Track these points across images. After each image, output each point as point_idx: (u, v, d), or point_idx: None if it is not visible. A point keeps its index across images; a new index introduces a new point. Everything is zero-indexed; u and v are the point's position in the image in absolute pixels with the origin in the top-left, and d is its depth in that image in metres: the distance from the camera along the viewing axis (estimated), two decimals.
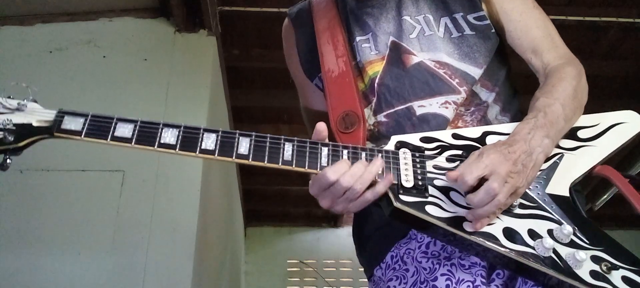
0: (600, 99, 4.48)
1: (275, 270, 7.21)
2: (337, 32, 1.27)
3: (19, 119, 0.92)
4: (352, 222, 1.30)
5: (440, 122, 1.12)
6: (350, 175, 0.93)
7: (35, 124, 0.93)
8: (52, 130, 0.93)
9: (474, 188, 0.91)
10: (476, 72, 1.17)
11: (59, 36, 3.21)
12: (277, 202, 6.87)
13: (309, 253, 7.28)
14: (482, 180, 0.91)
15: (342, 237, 6.89)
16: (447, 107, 1.13)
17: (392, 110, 1.16)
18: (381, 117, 1.17)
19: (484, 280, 0.99)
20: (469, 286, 0.98)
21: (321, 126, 0.99)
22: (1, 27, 3.16)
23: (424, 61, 1.17)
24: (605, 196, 4.99)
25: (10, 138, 0.89)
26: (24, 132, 0.91)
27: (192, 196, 2.94)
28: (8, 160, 0.90)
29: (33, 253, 2.69)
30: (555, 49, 1.18)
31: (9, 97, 0.93)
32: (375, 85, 1.18)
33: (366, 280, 1.23)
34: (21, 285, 2.64)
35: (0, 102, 0.92)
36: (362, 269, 1.24)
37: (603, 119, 1.11)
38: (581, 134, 1.09)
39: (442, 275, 1.00)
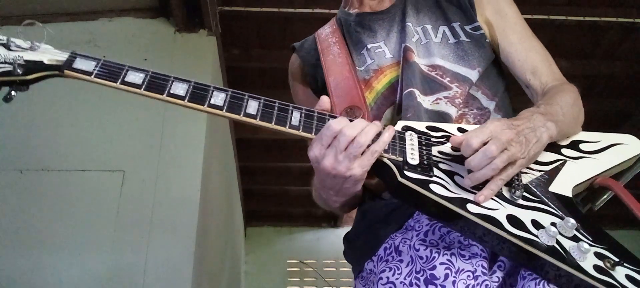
0: (601, 98, 4.48)
1: (275, 270, 7.21)
2: (341, 46, 1.33)
3: (30, 56, 0.92)
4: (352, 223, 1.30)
5: (444, 117, 1.16)
6: (352, 126, 0.95)
7: (46, 61, 0.93)
8: (63, 68, 0.94)
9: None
10: (470, 73, 1.22)
11: (59, 36, 3.21)
12: (277, 202, 6.88)
13: (309, 253, 7.28)
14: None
15: (342, 237, 6.88)
16: (438, 103, 1.18)
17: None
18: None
19: (485, 270, 0.97)
20: (469, 276, 0.96)
21: (325, 98, 1.03)
22: (1, 27, 3.16)
23: (419, 65, 1.23)
24: (605, 196, 4.99)
25: (19, 71, 0.90)
26: (34, 67, 0.92)
27: (192, 196, 2.94)
28: (13, 93, 0.91)
29: (33, 253, 2.69)
30: (553, 72, 1.24)
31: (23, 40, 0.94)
32: (399, 88, 1.21)
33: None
34: (21, 285, 2.64)
35: (13, 41, 0.93)
36: None
37: (604, 137, 1.16)
38: (583, 146, 1.14)
39: (441, 264, 0.99)
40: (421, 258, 1.01)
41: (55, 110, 3.00)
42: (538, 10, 3.56)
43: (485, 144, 0.93)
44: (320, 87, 1.34)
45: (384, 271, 1.06)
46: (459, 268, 0.97)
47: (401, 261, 1.05)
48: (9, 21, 3.16)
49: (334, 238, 7.14)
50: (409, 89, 1.17)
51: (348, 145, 0.94)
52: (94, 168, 2.91)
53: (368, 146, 0.96)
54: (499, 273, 0.99)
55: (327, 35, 1.39)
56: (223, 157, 4.19)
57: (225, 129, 4.27)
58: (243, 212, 6.65)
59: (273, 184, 6.37)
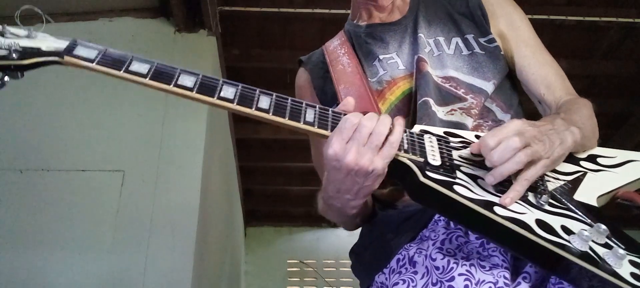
0: (600, 98, 4.48)
1: (275, 270, 7.22)
2: (351, 58, 1.30)
3: (27, 43, 0.87)
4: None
5: (460, 127, 1.12)
6: (369, 117, 0.91)
7: (44, 48, 0.88)
8: (63, 54, 0.88)
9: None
10: (485, 85, 1.19)
11: (59, 36, 3.21)
12: (277, 202, 6.88)
13: (309, 253, 7.28)
14: None
15: (342, 237, 6.88)
16: (453, 114, 1.15)
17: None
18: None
19: (507, 282, 0.91)
20: (490, 287, 0.90)
21: (351, 99, 0.98)
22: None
23: (432, 75, 1.20)
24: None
25: (15, 56, 0.85)
26: (31, 52, 0.86)
27: (192, 196, 2.94)
28: (6, 79, 0.86)
29: (33, 253, 2.69)
30: (566, 87, 1.21)
31: (19, 26, 0.89)
32: (415, 98, 1.18)
33: None
34: (21, 285, 2.64)
35: (9, 29, 0.88)
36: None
37: (619, 153, 1.13)
38: (601, 160, 1.11)
39: (460, 275, 0.93)
40: (438, 268, 0.96)
41: (56, 110, 3.00)
42: (538, 10, 3.55)
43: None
44: (329, 100, 1.29)
45: (397, 284, 1.01)
46: (479, 279, 0.91)
47: (416, 273, 0.99)
48: (9, 21, 3.16)
49: (334, 238, 7.13)
50: (424, 98, 1.14)
51: (369, 137, 0.90)
52: (94, 168, 2.91)
53: (386, 138, 0.92)
54: (524, 285, 0.93)
55: (336, 47, 1.36)
56: (223, 157, 4.19)
57: (225, 128, 4.27)
58: (243, 212, 6.65)
59: (273, 184, 6.37)
